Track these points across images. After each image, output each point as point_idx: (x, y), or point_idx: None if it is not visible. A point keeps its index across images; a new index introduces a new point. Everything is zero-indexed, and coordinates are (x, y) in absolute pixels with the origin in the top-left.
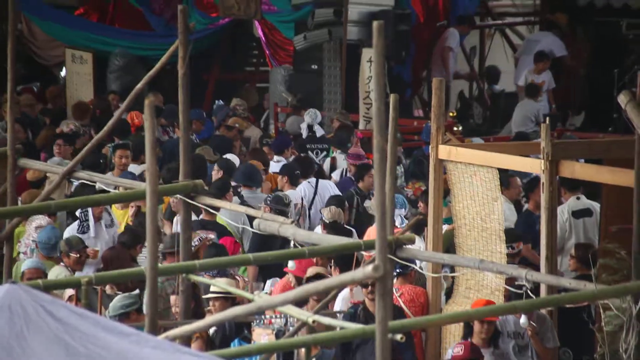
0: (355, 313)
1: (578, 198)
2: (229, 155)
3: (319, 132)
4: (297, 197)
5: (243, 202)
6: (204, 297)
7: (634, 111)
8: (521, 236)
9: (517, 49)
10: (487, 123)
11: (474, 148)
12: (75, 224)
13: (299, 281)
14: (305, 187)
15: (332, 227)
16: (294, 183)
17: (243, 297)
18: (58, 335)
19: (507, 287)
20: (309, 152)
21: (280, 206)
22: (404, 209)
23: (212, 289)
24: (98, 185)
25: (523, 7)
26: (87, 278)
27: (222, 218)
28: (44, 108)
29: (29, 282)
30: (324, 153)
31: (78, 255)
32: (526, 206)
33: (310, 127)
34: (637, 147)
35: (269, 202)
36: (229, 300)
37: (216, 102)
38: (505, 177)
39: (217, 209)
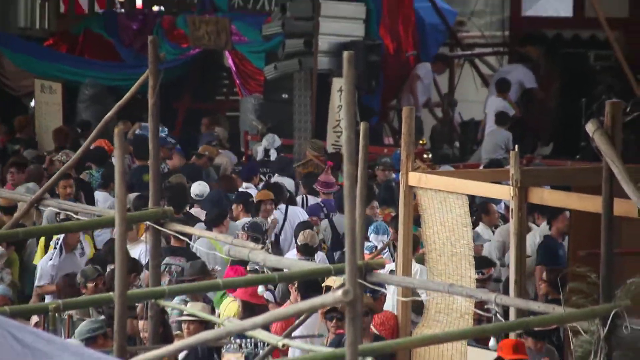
0: (340, 342)
1: (548, 224)
2: (197, 183)
3: (274, 156)
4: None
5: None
6: (178, 319)
7: (601, 139)
8: (492, 263)
9: (486, 79)
10: (456, 151)
11: (444, 175)
12: (50, 253)
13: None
14: (275, 215)
15: (305, 250)
16: (248, 210)
17: (212, 321)
18: None
19: (477, 310)
20: (261, 176)
21: (257, 233)
22: (385, 236)
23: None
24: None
25: (492, 38)
26: (54, 304)
27: (199, 247)
28: (14, 137)
29: None
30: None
31: (94, 284)
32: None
33: (266, 151)
34: (604, 174)
35: (246, 228)
36: (203, 324)
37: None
38: (483, 204)
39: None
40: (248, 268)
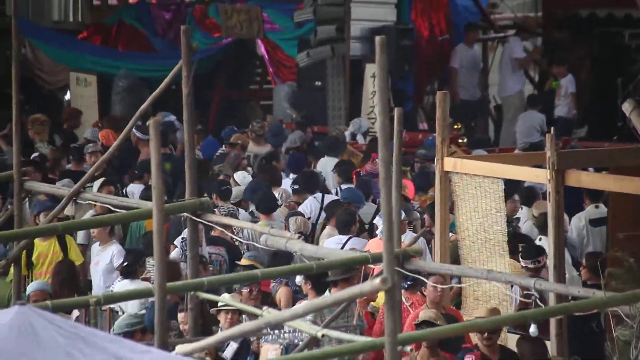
0: None
1: (597, 207)
2: (240, 172)
3: (361, 141)
4: (304, 213)
5: (254, 220)
6: (213, 310)
7: (638, 119)
8: (545, 250)
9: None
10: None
11: (479, 159)
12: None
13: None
14: (310, 203)
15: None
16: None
17: (250, 312)
18: (68, 350)
19: (516, 296)
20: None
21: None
22: None
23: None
24: None
25: (525, 20)
26: (95, 298)
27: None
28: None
29: (36, 304)
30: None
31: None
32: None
33: (353, 136)
34: None
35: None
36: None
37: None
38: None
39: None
40: None
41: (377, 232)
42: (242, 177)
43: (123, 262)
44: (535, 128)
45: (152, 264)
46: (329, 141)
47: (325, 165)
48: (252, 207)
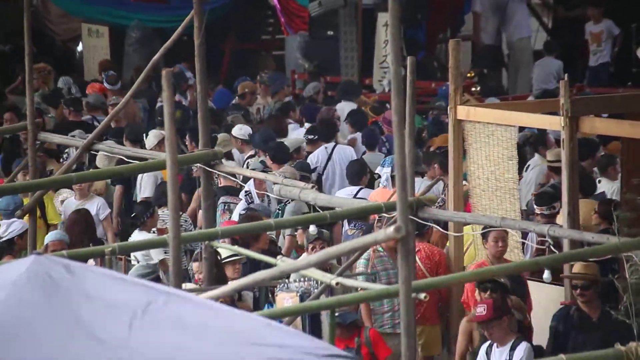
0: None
1: (599, 182)
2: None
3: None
4: (311, 163)
5: (265, 169)
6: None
7: None
8: (558, 197)
9: (533, 7)
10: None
11: (493, 108)
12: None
13: None
14: (319, 153)
15: None
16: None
17: (265, 261)
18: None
19: (532, 244)
20: None
21: (305, 172)
22: (390, 168)
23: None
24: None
25: None
26: (110, 248)
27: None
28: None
29: (53, 253)
30: None
31: None
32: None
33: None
34: None
35: (292, 165)
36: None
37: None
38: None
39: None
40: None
41: (381, 181)
42: (239, 130)
43: (132, 214)
44: (552, 74)
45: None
46: (345, 85)
47: (343, 110)
48: (262, 157)
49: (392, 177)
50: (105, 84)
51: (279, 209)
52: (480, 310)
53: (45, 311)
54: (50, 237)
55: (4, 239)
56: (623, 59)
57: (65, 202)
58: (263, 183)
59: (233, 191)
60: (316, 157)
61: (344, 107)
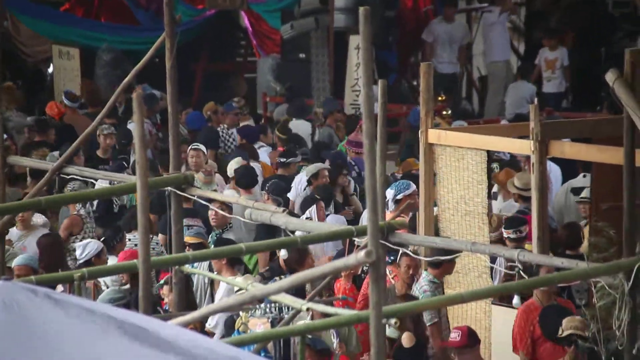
0: None
1: (584, 176)
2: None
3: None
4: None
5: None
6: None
7: (621, 89)
8: (526, 220)
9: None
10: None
11: (464, 131)
12: None
13: None
14: (302, 176)
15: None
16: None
17: (233, 284)
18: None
19: (500, 268)
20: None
21: (279, 195)
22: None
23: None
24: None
25: None
26: (79, 273)
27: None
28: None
29: (21, 279)
30: None
31: None
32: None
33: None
34: (625, 124)
35: (266, 188)
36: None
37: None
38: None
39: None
40: None
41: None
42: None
43: (101, 238)
44: (526, 99)
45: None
46: (295, 104)
47: (297, 128)
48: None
49: (397, 201)
50: (65, 100)
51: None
52: (454, 336)
53: (7, 337)
54: (17, 261)
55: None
56: (592, 83)
57: (9, 232)
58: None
59: (192, 213)
60: (299, 179)
61: (298, 125)
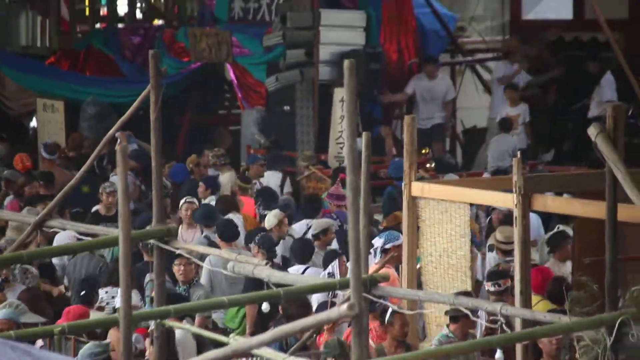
0: None
1: (558, 228)
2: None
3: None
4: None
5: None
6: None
7: (604, 143)
8: (509, 274)
9: (488, 85)
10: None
11: (447, 184)
12: None
13: None
14: (298, 227)
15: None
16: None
17: (217, 340)
18: None
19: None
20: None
21: (269, 249)
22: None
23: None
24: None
25: (493, 43)
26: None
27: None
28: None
29: (0, 334)
30: None
31: None
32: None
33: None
34: (607, 179)
35: (256, 241)
36: None
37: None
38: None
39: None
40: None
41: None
42: None
43: (80, 291)
44: (508, 152)
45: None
46: (271, 156)
47: (268, 181)
48: (206, 231)
49: (384, 250)
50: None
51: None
52: None
53: None
54: None
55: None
56: (575, 137)
57: None
58: (188, 267)
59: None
60: (298, 229)
61: (269, 178)
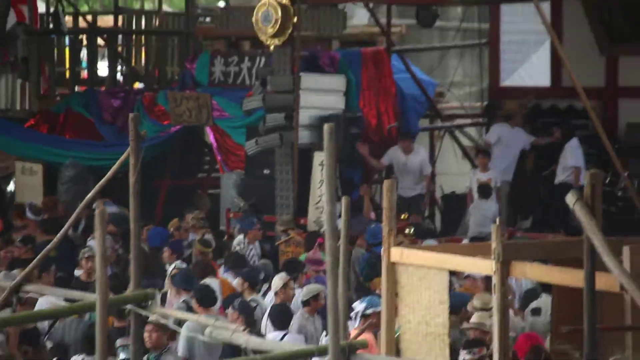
0: None
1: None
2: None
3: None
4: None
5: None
6: None
7: (582, 211)
8: (484, 343)
9: (467, 150)
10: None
11: (426, 250)
12: None
13: None
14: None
15: None
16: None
17: None
18: None
19: None
20: None
21: (248, 314)
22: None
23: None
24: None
25: (471, 109)
26: None
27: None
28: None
29: None
30: None
31: None
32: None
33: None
34: (585, 247)
35: (236, 307)
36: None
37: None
38: None
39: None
40: None
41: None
42: None
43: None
44: (489, 218)
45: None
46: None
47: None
48: (184, 296)
49: (364, 315)
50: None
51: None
52: None
53: None
54: None
55: None
56: (553, 204)
57: None
58: (157, 333)
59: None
60: (267, 298)
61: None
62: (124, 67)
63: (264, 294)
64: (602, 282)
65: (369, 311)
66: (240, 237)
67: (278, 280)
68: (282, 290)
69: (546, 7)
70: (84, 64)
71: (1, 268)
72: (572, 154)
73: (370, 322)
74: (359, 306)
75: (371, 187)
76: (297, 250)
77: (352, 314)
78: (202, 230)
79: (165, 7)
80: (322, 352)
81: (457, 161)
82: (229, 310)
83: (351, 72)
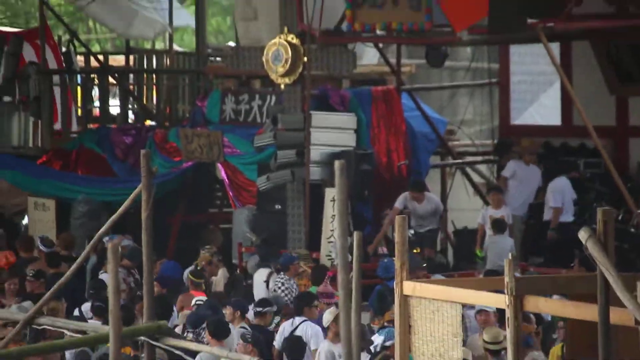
0: None
1: None
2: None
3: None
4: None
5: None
6: None
7: (594, 247)
8: None
9: (478, 187)
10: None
11: (438, 284)
12: None
13: None
14: (285, 326)
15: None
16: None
17: None
18: None
19: None
20: None
21: (259, 345)
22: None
23: None
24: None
25: (482, 147)
26: None
27: None
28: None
29: None
30: None
31: None
32: None
33: None
34: (599, 282)
35: (249, 339)
36: None
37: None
38: None
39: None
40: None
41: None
42: None
43: None
44: (506, 252)
45: None
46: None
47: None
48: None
49: (384, 347)
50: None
51: None
52: None
53: None
54: None
55: None
56: (565, 240)
57: None
58: None
59: None
60: (281, 330)
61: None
62: (136, 105)
63: (277, 326)
64: (617, 316)
65: (388, 343)
66: (262, 270)
67: (329, 315)
68: (334, 325)
69: (555, 48)
70: (96, 102)
71: (11, 300)
72: (552, 193)
73: (384, 353)
74: (377, 339)
75: (382, 222)
76: (310, 283)
77: (371, 347)
78: (217, 265)
79: (176, 47)
80: None
81: (469, 197)
82: (241, 343)
83: (361, 110)
